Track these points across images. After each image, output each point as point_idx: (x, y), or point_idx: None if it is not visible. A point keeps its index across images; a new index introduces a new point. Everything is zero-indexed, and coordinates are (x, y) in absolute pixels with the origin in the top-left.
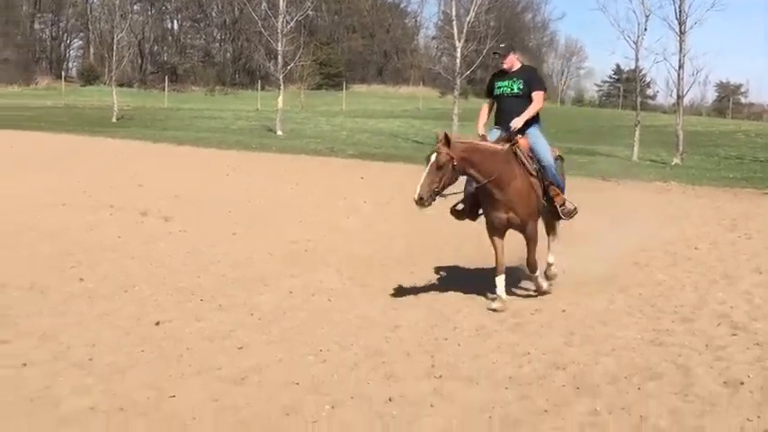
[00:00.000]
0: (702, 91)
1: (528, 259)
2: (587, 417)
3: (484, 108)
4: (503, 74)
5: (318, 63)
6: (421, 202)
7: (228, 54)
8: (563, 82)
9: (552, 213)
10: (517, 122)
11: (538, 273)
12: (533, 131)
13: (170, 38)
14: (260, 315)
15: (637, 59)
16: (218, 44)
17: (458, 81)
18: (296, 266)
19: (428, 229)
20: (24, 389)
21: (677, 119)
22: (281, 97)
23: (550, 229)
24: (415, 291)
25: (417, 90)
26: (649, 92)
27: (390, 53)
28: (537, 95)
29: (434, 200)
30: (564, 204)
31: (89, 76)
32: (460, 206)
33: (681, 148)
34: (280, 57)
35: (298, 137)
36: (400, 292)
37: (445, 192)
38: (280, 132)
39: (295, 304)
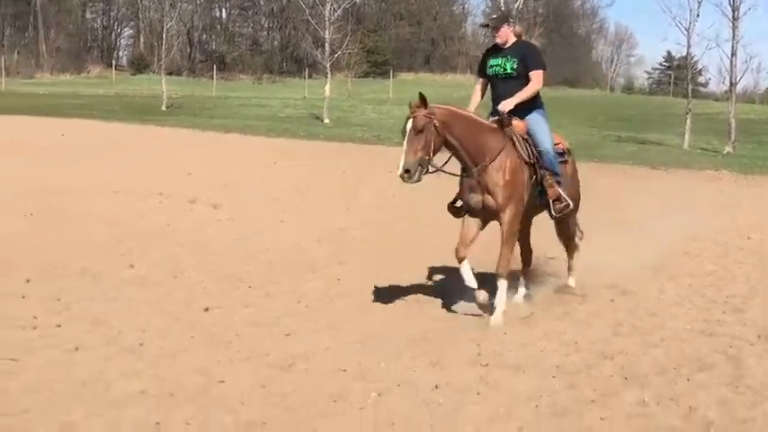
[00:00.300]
0: (756, 78)
1: (499, 258)
2: (635, 407)
3: (476, 89)
4: (496, 50)
5: (365, 51)
6: (408, 175)
7: (276, 42)
8: (612, 69)
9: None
10: (506, 105)
11: (503, 283)
12: (535, 117)
13: (218, 26)
14: (307, 302)
15: (688, 46)
16: (265, 32)
17: None
18: (343, 254)
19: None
20: (76, 372)
21: (729, 106)
22: (328, 85)
23: (569, 241)
24: (461, 279)
25: (465, 78)
26: (701, 79)
27: (438, 41)
28: (535, 75)
29: (425, 171)
30: (558, 199)
31: (139, 65)
32: (459, 202)
33: (733, 137)
34: (327, 45)
35: (345, 125)
36: (447, 280)
37: (442, 167)
38: (327, 120)
39: (342, 292)
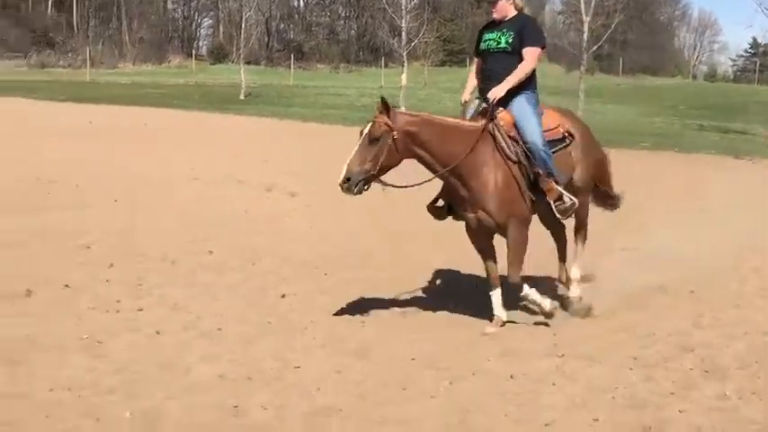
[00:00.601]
0: None
1: (509, 272)
2: (715, 401)
3: (470, 73)
4: (493, 25)
5: (442, 39)
6: (347, 185)
7: (353, 31)
8: (695, 57)
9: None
10: (497, 91)
11: (526, 291)
12: (520, 102)
13: (296, 16)
14: (383, 290)
15: None
16: (342, 21)
17: (584, 57)
18: (420, 242)
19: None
20: (157, 356)
21: None
22: (404, 74)
23: (577, 229)
24: (537, 270)
25: (542, 66)
26: None
27: None
28: (529, 53)
29: (368, 184)
30: (561, 199)
31: (218, 55)
32: (441, 202)
33: None
34: (403, 33)
35: None
36: (524, 270)
37: (386, 179)
38: (403, 109)
39: (418, 281)
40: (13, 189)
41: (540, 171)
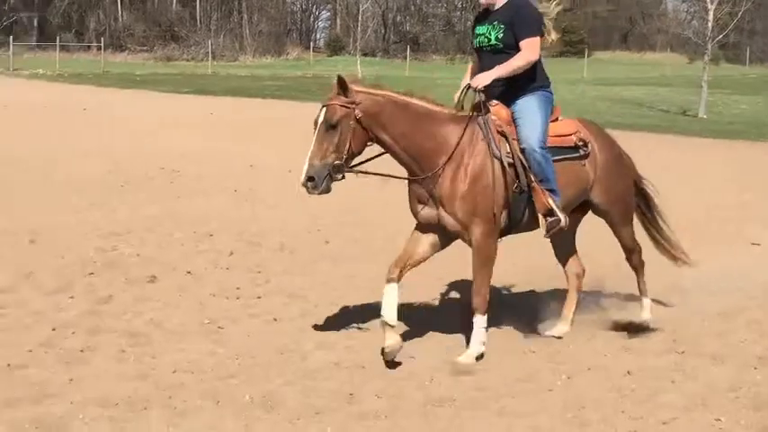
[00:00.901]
0: None
1: (474, 288)
2: None
3: (467, 73)
4: (484, 16)
5: (560, 30)
6: (312, 184)
7: (469, 22)
8: None
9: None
10: (481, 79)
11: (480, 319)
12: (526, 102)
13: (412, 7)
14: (500, 281)
15: None
16: (458, 13)
17: (708, 46)
18: (527, 236)
19: (681, 202)
20: (275, 342)
21: None
22: None
23: (628, 257)
24: (659, 266)
25: (664, 56)
26: None
27: (636, 18)
28: (527, 44)
29: (336, 178)
30: (553, 214)
31: (335, 47)
32: None
33: None
34: None
35: None
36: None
37: (361, 165)
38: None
39: (534, 274)
40: (139, 179)
41: (533, 177)
